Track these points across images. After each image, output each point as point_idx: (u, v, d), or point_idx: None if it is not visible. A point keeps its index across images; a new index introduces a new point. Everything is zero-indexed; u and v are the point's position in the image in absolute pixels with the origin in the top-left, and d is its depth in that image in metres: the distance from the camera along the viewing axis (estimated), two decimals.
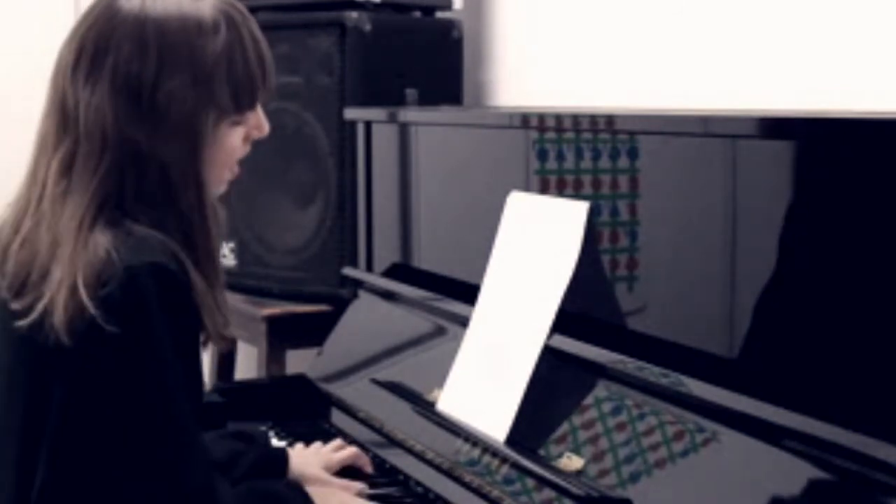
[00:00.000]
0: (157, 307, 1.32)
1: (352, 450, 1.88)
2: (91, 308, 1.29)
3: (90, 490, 1.33)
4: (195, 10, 1.42)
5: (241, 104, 1.46)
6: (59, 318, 1.30)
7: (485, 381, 1.78)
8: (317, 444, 1.92)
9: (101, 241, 1.34)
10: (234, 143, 1.48)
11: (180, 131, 1.40)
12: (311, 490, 1.69)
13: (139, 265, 1.32)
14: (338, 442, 1.92)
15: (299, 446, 1.92)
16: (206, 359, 3.00)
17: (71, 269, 1.32)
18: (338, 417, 2.10)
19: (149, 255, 1.33)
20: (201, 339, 1.43)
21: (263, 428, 2.05)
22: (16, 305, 1.36)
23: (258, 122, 1.50)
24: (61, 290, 1.31)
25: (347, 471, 1.87)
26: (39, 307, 1.33)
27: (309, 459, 1.84)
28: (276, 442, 2.03)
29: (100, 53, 1.40)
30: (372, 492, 1.80)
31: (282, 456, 1.81)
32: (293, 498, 1.63)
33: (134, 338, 1.31)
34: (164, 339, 1.33)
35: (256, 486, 1.62)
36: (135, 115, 1.39)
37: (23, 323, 1.34)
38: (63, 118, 1.42)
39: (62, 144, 1.41)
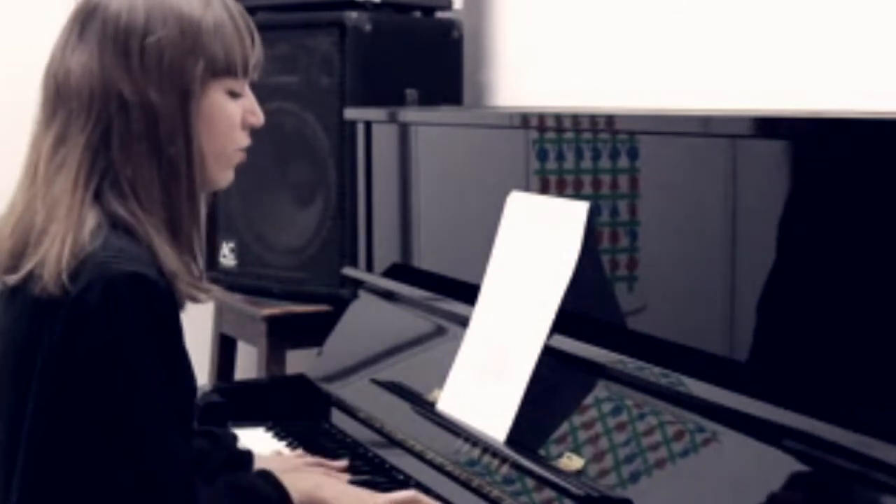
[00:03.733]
0: (133, 317, 1.31)
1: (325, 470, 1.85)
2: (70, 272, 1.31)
3: (69, 488, 1.32)
4: None
5: (231, 64, 1.45)
6: (49, 270, 1.31)
7: (485, 381, 1.78)
8: (295, 453, 1.92)
9: (90, 221, 1.35)
10: (231, 111, 1.48)
11: (166, 77, 1.41)
12: (285, 476, 1.66)
13: (119, 275, 1.31)
14: (315, 460, 1.89)
15: (270, 455, 1.91)
16: (207, 359, 3.00)
17: (67, 227, 1.34)
18: (338, 417, 2.10)
19: (130, 264, 1.33)
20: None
21: (234, 430, 1.96)
22: (13, 277, 1.36)
23: (252, 106, 1.51)
24: (55, 244, 1.33)
25: None
26: (35, 260, 1.34)
27: (274, 468, 1.83)
28: (276, 442, 2.03)
29: (88, 18, 1.43)
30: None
31: (247, 460, 1.79)
32: (268, 497, 1.61)
33: (108, 344, 1.31)
34: (139, 347, 1.31)
35: (232, 483, 1.61)
36: (122, 66, 1.40)
37: (16, 276, 1.35)
38: (54, 100, 1.42)
39: (54, 123, 1.42)
